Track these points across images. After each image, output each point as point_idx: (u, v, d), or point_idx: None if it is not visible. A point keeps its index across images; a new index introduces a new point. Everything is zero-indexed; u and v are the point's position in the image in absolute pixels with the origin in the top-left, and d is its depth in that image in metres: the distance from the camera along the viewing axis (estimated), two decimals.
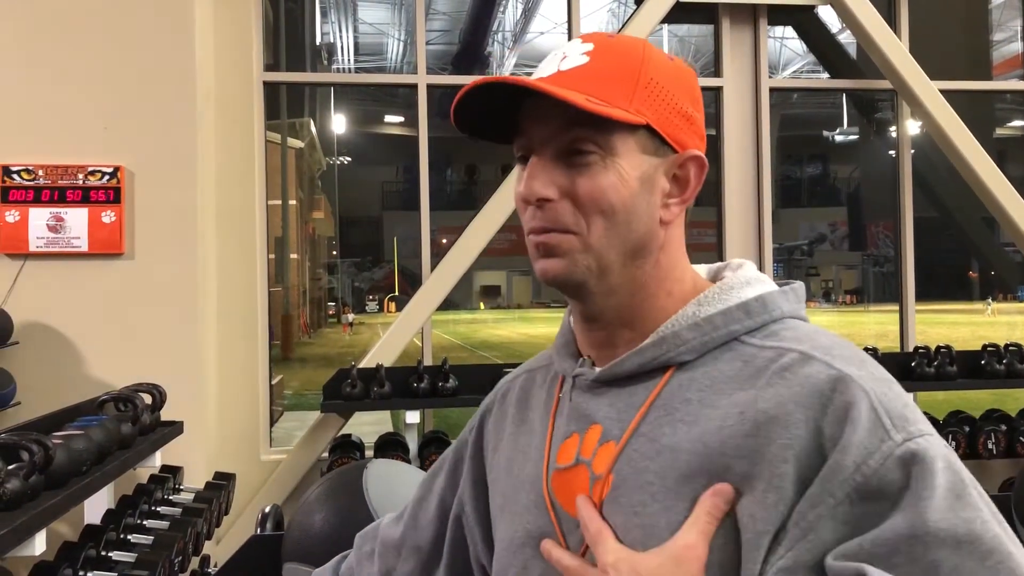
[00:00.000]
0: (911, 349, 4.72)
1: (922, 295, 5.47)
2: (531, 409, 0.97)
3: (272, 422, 4.79)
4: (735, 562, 0.74)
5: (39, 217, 3.82)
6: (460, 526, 1.03)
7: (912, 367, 4.52)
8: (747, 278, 0.87)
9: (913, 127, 5.12)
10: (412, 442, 4.25)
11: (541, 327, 31.31)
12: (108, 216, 3.86)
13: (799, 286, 0.89)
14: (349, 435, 4.40)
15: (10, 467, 2.13)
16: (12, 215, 3.80)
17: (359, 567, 1.11)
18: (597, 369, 0.88)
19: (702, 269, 0.94)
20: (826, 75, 6.24)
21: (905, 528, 0.67)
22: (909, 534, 0.67)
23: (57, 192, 3.83)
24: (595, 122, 0.80)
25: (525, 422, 0.97)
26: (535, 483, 0.90)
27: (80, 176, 3.85)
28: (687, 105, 0.85)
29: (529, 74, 0.90)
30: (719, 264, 0.94)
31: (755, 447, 0.74)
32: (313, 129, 29.10)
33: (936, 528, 0.67)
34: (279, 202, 20.21)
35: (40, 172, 3.83)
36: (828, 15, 5.16)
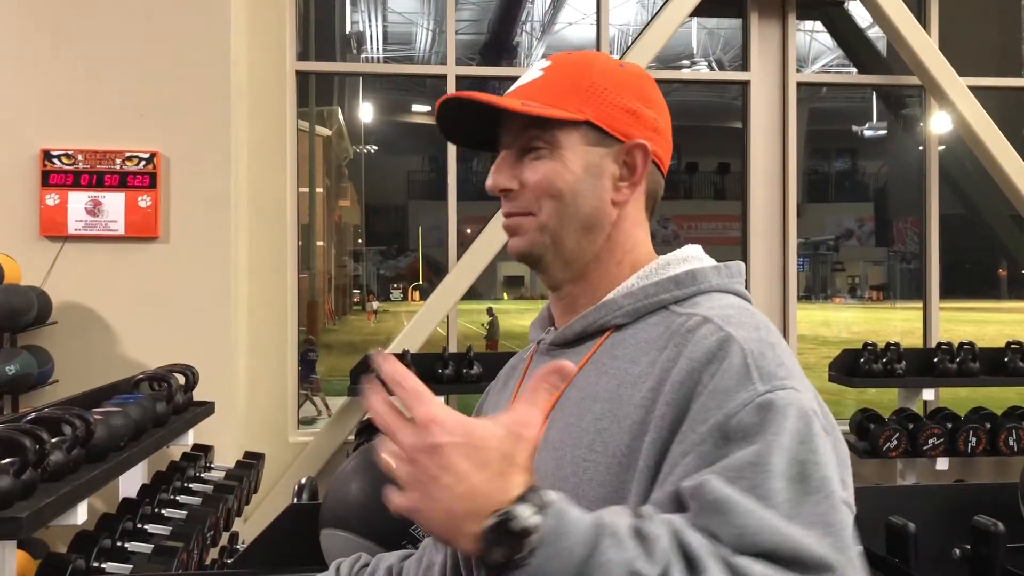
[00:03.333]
0: (934, 345, 4.72)
1: (950, 292, 5.47)
2: (512, 380, 1.11)
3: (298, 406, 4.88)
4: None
5: (78, 201, 3.93)
6: None
7: (934, 363, 4.53)
8: (685, 256, 0.99)
9: (942, 123, 5.11)
10: None
11: None
12: (144, 200, 3.95)
13: (735, 265, 0.99)
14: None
15: (54, 440, 2.22)
16: (52, 198, 3.91)
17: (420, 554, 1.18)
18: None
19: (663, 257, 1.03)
20: (855, 70, 6.23)
21: (751, 456, 0.75)
22: (753, 461, 0.74)
23: (95, 176, 3.93)
24: (542, 123, 0.95)
25: (505, 389, 1.11)
26: None
27: (118, 161, 3.95)
28: (633, 103, 0.98)
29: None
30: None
31: (653, 398, 0.84)
32: (341, 117, 29.22)
33: (777, 462, 0.74)
34: (306, 190, 20.34)
35: (79, 157, 3.93)
36: (857, 10, 5.15)
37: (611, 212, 0.98)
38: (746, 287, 1.00)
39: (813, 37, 29.43)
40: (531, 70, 1.01)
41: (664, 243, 1.19)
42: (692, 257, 0.99)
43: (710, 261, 0.99)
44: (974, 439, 4.32)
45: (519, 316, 34.68)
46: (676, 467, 0.78)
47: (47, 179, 3.91)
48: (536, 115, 0.94)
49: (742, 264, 1.00)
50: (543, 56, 1.04)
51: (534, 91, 0.97)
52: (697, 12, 4.74)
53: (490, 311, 19.38)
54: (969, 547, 1.77)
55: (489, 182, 0.99)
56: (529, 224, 0.97)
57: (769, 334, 0.86)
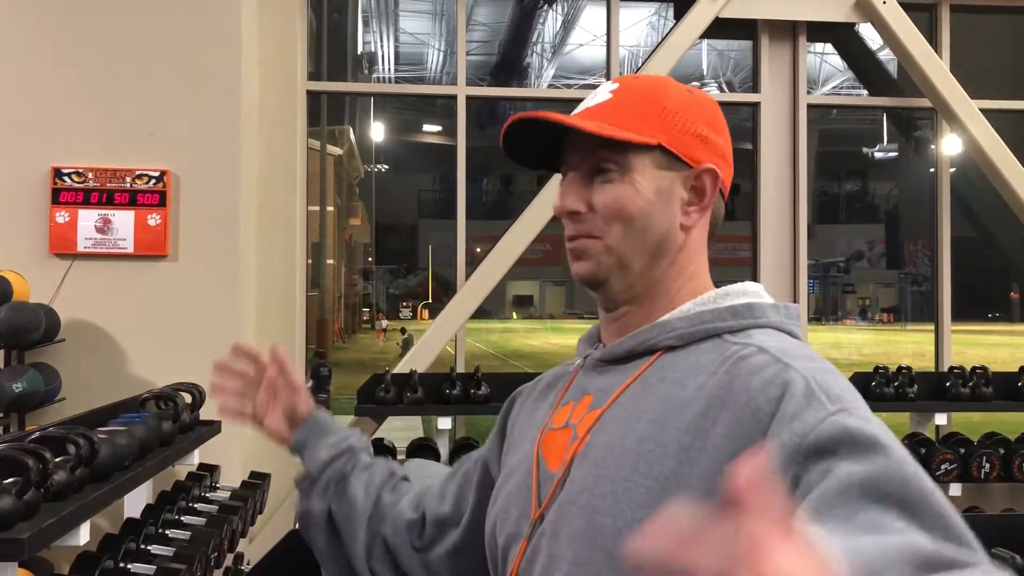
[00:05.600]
0: (946, 369, 4.68)
1: (960, 315, 5.42)
2: (554, 390, 1.10)
3: None
4: None
5: (87, 218, 3.93)
6: (483, 487, 1.15)
7: (947, 387, 4.48)
8: (745, 289, 0.99)
9: (953, 146, 5.09)
10: (443, 448, 4.30)
11: (572, 338, 31.06)
12: (154, 219, 3.96)
13: (795, 307, 1.00)
14: (381, 439, 4.45)
15: (57, 459, 2.20)
16: (62, 216, 3.92)
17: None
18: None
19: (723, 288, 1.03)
20: (866, 92, 6.22)
21: (860, 473, 0.71)
22: (862, 479, 0.70)
23: (105, 194, 3.94)
24: (614, 145, 0.95)
25: (544, 400, 1.10)
26: (531, 442, 1.04)
27: (128, 179, 3.95)
28: (702, 128, 0.98)
29: (568, 87, 1.01)
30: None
31: (702, 424, 0.84)
32: (352, 137, 29.38)
33: (856, 464, 0.72)
34: (317, 208, 20.43)
35: (90, 175, 3.94)
36: (868, 32, 5.15)
37: (679, 236, 0.98)
38: None
39: (823, 59, 29.48)
40: (599, 92, 1.01)
41: None
42: (752, 292, 0.99)
43: (769, 299, 0.99)
44: (988, 465, 4.26)
45: (527, 335, 34.65)
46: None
47: (57, 197, 3.91)
48: (611, 137, 0.93)
49: (799, 307, 1.01)
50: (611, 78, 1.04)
51: (605, 113, 0.97)
52: (707, 34, 4.74)
53: (403, 330, 19.94)
54: None
55: (557, 203, 0.99)
56: (596, 247, 0.97)
57: (825, 365, 0.86)
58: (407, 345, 18.41)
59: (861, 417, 0.77)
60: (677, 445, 0.84)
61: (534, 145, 1.02)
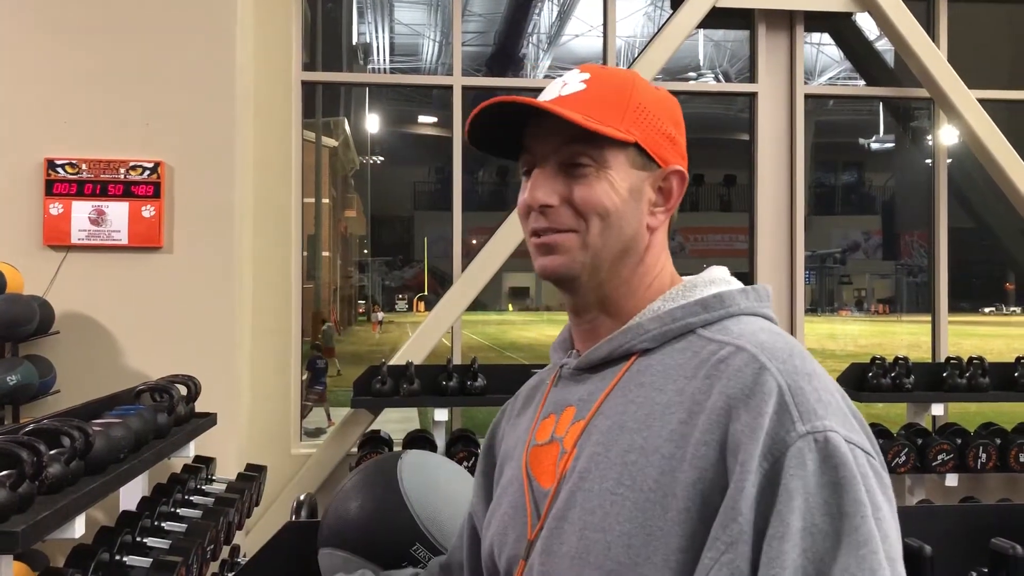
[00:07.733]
0: (943, 359, 4.68)
1: (956, 306, 5.42)
2: (533, 402, 1.08)
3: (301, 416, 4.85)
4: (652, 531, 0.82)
5: (81, 210, 3.91)
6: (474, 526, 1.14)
7: (943, 378, 4.49)
8: (712, 278, 0.97)
9: (950, 136, 5.08)
10: (440, 439, 4.29)
11: None
12: (148, 210, 3.93)
13: (763, 287, 0.98)
14: (378, 431, 4.44)
15: (52, 452, 2.19)
16: (56, 208, 3.89)
17: None
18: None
19: (689, 279, 1.01)
20: (862, 82, 6.20)
21: (798, 523, 0.74)
22: (802, 527, 0.74)
23: (99, 186, 3.92)
24: (591, 139, 0.92)
25: (525, 413, 1.08)
26: (518, 459, 1.02)
27: (122, 171, 3.93)
28: (670, 128, 0.97)
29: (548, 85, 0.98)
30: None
31: (684, 432, 0.83)
32: (347, 128, 29.28)
33: (813, 523, 0.74)
34: (312, 200, 20.37)
35: (83, 166, 3.91)
36: (866, 22, 5.13)
37: (645, 236, 0.96)
38: None
39: (820, 50, 29.43)
40: (570, 80, 0.97)
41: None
42: (719, 279, 0.97)
43: (737, 284, 0.97)
44: (984, 455, 4.27)
45: (524, 327, 34.64)
46: (741, 536, 0.76)
47: (51, 188, 3.89)
48: (596, 131, 0.90)
49: (769, 287, 0.99)
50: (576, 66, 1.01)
51: (580, 103, 0.93)
52: (704, 23, 4.72)
53: (324, 321, 20.48)
54: (987, 571, 1.72)
55: (525, 197, 0.96)
56: (571, 242, 0.94)
57: (804, 361, 0.84)
58: (326, 336, 18.64)
59: (824, 450, 0.76)
60: (659, 455, 0.83)
61: (498, 132, 0.98)
